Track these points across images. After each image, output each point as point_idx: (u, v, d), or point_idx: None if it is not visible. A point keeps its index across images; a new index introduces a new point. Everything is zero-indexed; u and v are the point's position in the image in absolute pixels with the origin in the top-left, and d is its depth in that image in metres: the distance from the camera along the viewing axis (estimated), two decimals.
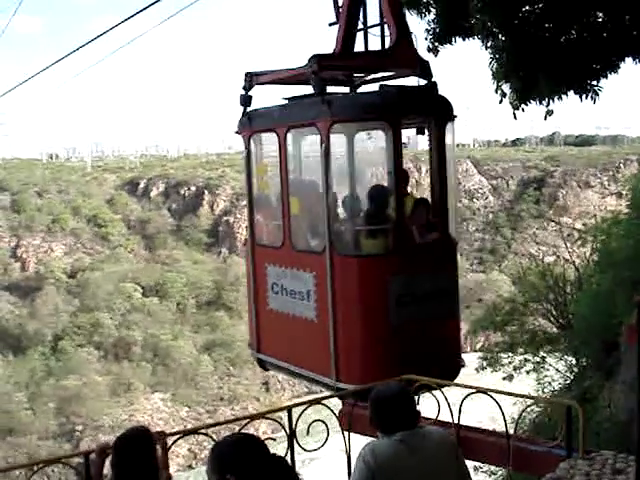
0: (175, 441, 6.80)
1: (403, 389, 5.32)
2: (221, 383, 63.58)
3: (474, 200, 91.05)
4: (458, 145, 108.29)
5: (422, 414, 5.33)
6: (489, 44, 8.14)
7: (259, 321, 7.55)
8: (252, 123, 7.38)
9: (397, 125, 6.39)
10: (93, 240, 79.19)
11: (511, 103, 8.18)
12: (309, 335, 6.68)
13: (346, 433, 7.34)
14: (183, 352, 64.22)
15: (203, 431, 7.95)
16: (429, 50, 9.29)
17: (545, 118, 8.12)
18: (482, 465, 15.20)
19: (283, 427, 7.05)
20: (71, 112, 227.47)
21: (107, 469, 5.84)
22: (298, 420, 7.18)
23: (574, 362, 18.84)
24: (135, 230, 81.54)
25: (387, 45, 6.96)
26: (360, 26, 7.35)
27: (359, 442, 6.80)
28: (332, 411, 7.49)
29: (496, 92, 8.15)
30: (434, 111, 6.68)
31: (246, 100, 7.31)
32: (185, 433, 7.63)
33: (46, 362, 63.43)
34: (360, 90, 7.56)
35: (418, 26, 9.20)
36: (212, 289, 72.27)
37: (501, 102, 8.11)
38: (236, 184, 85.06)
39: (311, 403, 7.45)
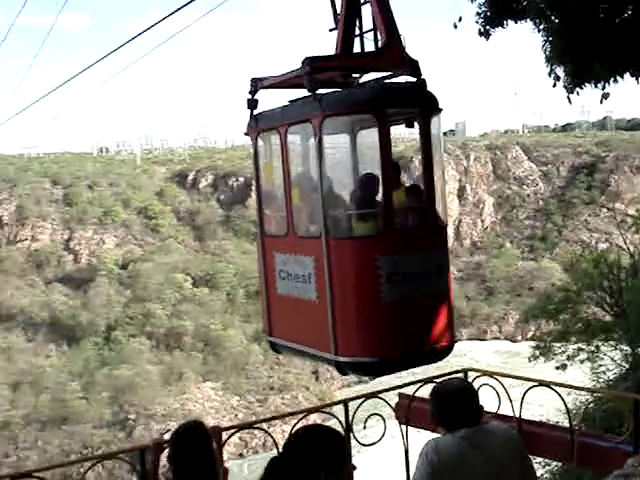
0: (230, 436, 6.80)
1: (466, 385, 5.25)
2: (271, 372, 63.89)
3: (524, 187, 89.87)
4: (507, 131, 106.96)
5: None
6: (542, 26, 7.97)
7: (270, 306, 8.12)
8: (258, 124, 7.95)
9: (383, 117, 6.89)
10: (144, 232, 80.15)
11: (565, 87, 8.00)
12: (311, 315, 7.23)
13: (403, 427, 7.30)
14: (233, 341, 64.69)
15: (259, 425, 7.95)
16: (480, 34, 9.12)
17: (601, 102, 7.92)
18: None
19: (340, 421, 6.98)
20: (121, 106, 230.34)
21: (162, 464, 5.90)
22: (355, 414, 7.14)
23: (629, 351, 18.42)
24: (185, 221, 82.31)
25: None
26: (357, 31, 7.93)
27: (416, 436, 6.75)
28: (389, 404, 7.44)
29: (549, 76, 7.97)
30: (419, 105, 7.17)
31: (252, 103, 7.91)
32: (240, 428, 7.57)
33: (100, 352, 64.48)
34: None
35: (468, 10, 9.04)
36: None
37: (554, 86, 7.94)
38: None
39: (367, 397, 7.42)
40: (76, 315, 67.84)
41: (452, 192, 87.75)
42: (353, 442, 6.95)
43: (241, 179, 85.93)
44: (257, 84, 7.84)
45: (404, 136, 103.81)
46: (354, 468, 4.02)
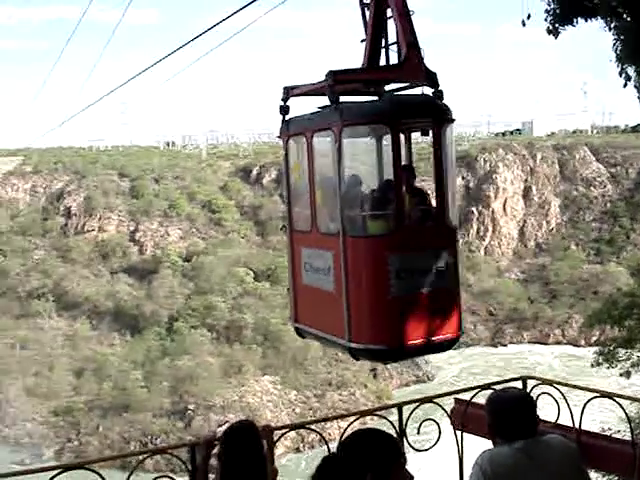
0: (281, 436, 6.78)
1: (523, 394, 5.18)
2: (329, 368, 63.94)
3: (591, 188, 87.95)
4: (575, 132, 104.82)
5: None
6: (613, 25, 7.81)
7: (296, 295, 8.83)
8: (289, 128, 8.60)
9: (396, 127, 7.54)
10: (207, 225, 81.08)
11: (636, 87, 7.83)
12: (329, 304, 7.89)
13: (458, 433, 7.17)
14: (293, 336, 64.30)
15: (311, 427, 7.94)
16: (549, 32, 8.97)
17: None
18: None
19: (393, 425, 6.89)
20: (188, 100, 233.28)
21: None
22: (408, 419, 7.03)
23: None
24: (248, 216, 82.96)
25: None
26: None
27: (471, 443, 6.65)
28: (444, 410, 7.36)
29: (620, 75, 7.81)
30: (431, 116, 7.70)
31: (284, 110, 8.55)
32: (291, 428, 7.60)
33: (161, 342, 65.46)
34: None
35: (538, 6, 8.89)
36: None
37: (625, 86, 7.77)
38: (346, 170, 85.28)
39: (422, 402, 7.30)
40: (140, 305, 69.03)
41: (517, 193, 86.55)
42: (406, 447, 6.95)
43: None
44: (288, 92, 8.45)
45: (469, 136, 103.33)
46: (410, 477, 3.91)
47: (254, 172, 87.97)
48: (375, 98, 8.37)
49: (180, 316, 67.08)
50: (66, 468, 5.97)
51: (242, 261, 74.31)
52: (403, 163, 7.99)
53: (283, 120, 8.63)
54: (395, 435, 6.65)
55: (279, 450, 51.00)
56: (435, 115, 7.66)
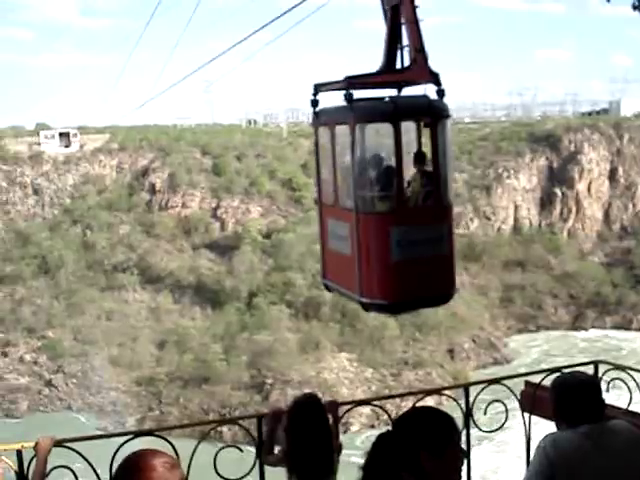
0: (347, 411, 6.92)
1: (590, 378, 5.15)
2: (406, 347, 63.86)
3: None
4: None
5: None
6: None
7: (324, 257, 10.47)
8: (318, 119, 10.02)
9: (398, 125, 8.84)
10: (287, 203, 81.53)
11: None
12: (347, 265, 9.37)
13: (526, 415, 7.18)
14: (370, 315, 64.72)
15: (375, 403, 8.07)
16: (634, 7, 8.81)
17: None
18: None
19: (459, 405, 6.95)
20: (269, 79, 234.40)
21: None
22: (475, 399, 7.08)
23: None
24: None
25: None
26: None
27: (540, 426, 6.64)
28: (512, 392, 7.34)
29: None
30: (428, 114, 9.13)
31: (314, 103, 9.91)
32: (357, 404, 7.73)
33: (241, 317, 66.35)
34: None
35: None
36: None
37: None
38: (426, 150, 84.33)
39: (490, 383, 7.34)
40: (221, 280, 70.12)
41: (603, 174, 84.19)
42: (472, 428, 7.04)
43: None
44: (317, 89, 9.79)
45: (554, 115, 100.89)
46: (465, 455, 4.01)
47: None
48: (388, 96, 9.63)
49: (259, 292, 67.81)
50: (137, 434, 6.27)
51: None
52: (416, 150, 9.65)
53: (314, 112, 10.01)
54: (462, 416, 6.80)
55: (355, 427, 51.44)
56: (431, 114, 9.07)
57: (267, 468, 6.27)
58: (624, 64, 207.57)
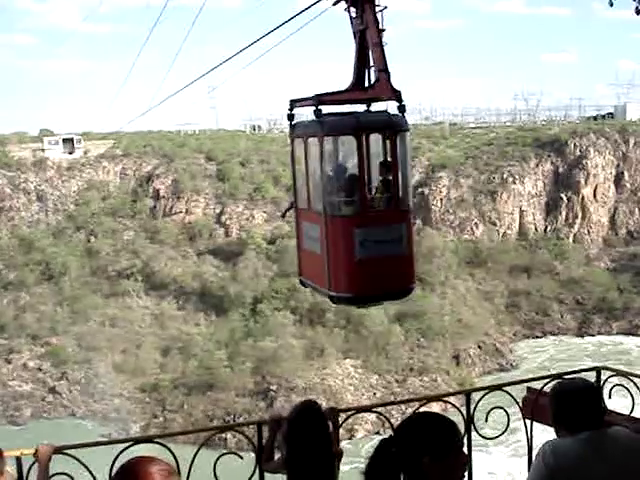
0: (347, 418, 6.83)
1: (589, 384, 5.09)
2: (411, 354, 63.79)
3: None
4: None
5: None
6: None
7: (300, 257, 11.50)
8: (294, 132, 11.02)
9: (360, 138, 9.86)
10: (292, 209, 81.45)
11: None
12: (318, 263, 10.39)
13: (528, 422, 7.17)
14: (375, 321, 64.95)
15: (376, 409, 8.01)
16: (637, 12, 8.68)
17: None
18: None
19: (460, 412, 6.93)
20: (273, 85, 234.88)
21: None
22: (477, 405, 7.06)
23: None
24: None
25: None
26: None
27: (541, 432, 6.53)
28: (514, 398, 7.32)
29: None
30: (387, 128, 10.15)
31: (290, 117, 10.91)
32: (357, 411, 7.75)
33: (245, 323, 66.38)
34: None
35: None
36: None
37: None
38: (432, 155, 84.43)
39: (491, 389, 7.33)
40: (225, 286, 70.16)
41: (608, 179, 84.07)
42: (474, 435, 6.97)
43: None
44: (292, 104, 10.76)
45: (559, 120, 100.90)
46: (467, 461, 4.01)
47: None
48: (355, 111, 10.73)
49: (264, 298, 67.83)
50: (137, 441, 6.19)
51: None
52: (381, 159, 10.46)
53: (290, 125, 11.08)
54: (462, 423, 6.71)
55: (360, 433, 51.34)
56: (390, 128, 10.11)
57: (267, 474, 6.22)
58: (629, 68, 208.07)
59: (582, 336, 71.83)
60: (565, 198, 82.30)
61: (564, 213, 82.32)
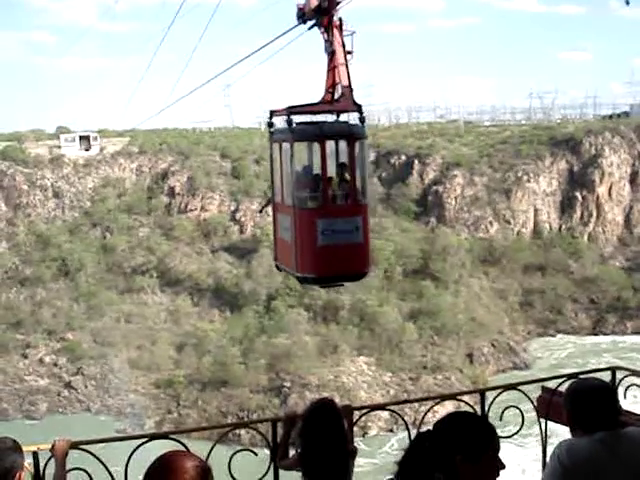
0: (361, 416, 6.87)
1: (604, 384, 5.06)
2: (425, 351, 63.67)
3: None
4: None
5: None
6: None
7: (276, 244, 13.22)
8: (273, 136, 12.50)
9: (323, 143, 11.46)
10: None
11: None
12: (289, 249, 12.03)
13: (542, 421, 7.15)
14: (388, 318, 64.91)
15: (390, 407, 8.03)
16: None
17: None
18: None
19: (474, 410, 6.79)
20: (288, 82, 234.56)
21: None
22: (491, 404, 7.06)
23: None
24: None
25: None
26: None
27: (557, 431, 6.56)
28: (529, 397, 7.31)
29: None
30: (346, 136, 11.70)
31: (270, 125, 12.50)
32: (372, 409, 7.77)
33: (259, 320, 66.45)
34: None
35: None
36: (419, 258, 72.24)
37: None
38: (447, 153, 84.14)
39: (505, 388, 7.32)
40: (239, 283, 70.25)
41: (624, 177, 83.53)
42: None
43: (403, 157, 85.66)
44: (272, 114, 12.30)
45: (574, 118, 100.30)
46: (502, 467, 4.00)
47: None
48: (321, 121, 12.07)
49: (278, 295, 67.84)
50: (152, 437, 6.28)
51: None
52: (341, 161, 11.98)
53: (269, 132, 12.60)
54: None
55: (373, 430, 51.35)
56: (348, 136, 11.67)
57: (282, 472, 6.26)
58: None
59: (596, 335, 71.45)
60: (580, 197, 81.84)
61: (579, 212, 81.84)
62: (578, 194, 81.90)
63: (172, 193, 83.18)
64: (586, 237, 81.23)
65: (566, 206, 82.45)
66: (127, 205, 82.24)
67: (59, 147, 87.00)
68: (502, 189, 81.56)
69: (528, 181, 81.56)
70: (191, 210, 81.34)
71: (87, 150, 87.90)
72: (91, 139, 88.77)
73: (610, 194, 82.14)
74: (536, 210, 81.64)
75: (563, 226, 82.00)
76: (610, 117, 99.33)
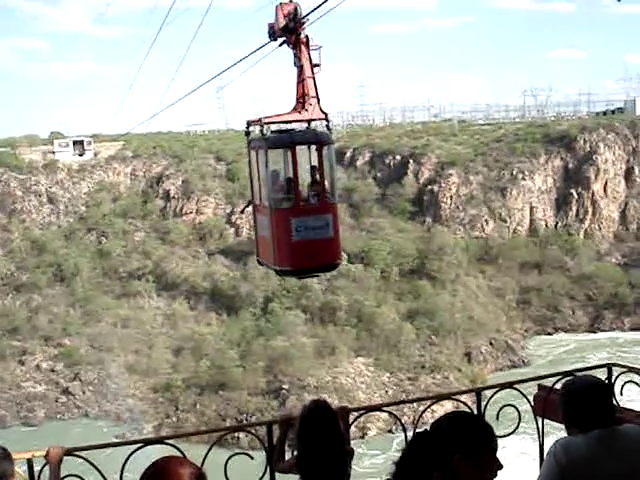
0: (357, 417, 6.78)
1: (599, 381, 5.03)
2: (423, 351, 63.67)
3: None
4: None
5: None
6: None
7: (257, 242, 14.11)
8: (250, 144, 13.52)
9: (294, 150, 12.50)
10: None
11: None
12: (268, 245, 13.09)
13: (539, 420, 7.13)
14: (386, 319, 64.93)
15: (386, 409, 7.99)
16: None
17: None
18: None
19: (471, 410, 6.78)
20: (282, 85, 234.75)
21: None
22: (487, 403, 7.02)
23: None
24: (341, 198, 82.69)
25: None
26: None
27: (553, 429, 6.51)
28: (525, 396, 7.29)
29: None
30: (315, 142, 12.84)
31: (247, 134, 13.58)
32: (368, 410, 7.71)
33: (257, 322, 66.42)
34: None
35: None
36: (415, 257, 72.27)
37: None
38: (441, 153, 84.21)
39: (502, 387, 7.28)
40: (236, 286, 70.22)
41: (619, 174, 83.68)
42: None
43: (398, 157, 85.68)
44: (249, 124, 13.38)
45: (568, 115, 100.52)
46: (500, 466, 3.99)
47: (348, 154, 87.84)
48: (292, 129, 13.19)
49: (275, 297, 67.85)
50: (147, 442, 6.21)
51: None
52: (313, 164, 12.97)
53: (247, 140, 13.63)
54: None
55: (372, 432, 51.30)
56: (316, 142, 12.79)
57: (278, 474, 6.21)
58: (638, 63, 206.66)
59: (594, 332, 71.51)
60: (575, 194, 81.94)
61: (574, 209, 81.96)
62: (573, 191, 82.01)
63: (167, 197, 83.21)
64: (582, 234, 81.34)
65: (562, 203, 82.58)
66: (122, 209, 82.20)
67: (53, 152, 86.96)
68: (497, 187, 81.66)
69: (523, 179, 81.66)
70: (186, 213, 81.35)
71: (81, 155, 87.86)
72: (85, 144, 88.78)
73: (605, 191, 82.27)
74: (532, 208, 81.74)
75: (559, 223, 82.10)
76: (604, 114, 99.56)
